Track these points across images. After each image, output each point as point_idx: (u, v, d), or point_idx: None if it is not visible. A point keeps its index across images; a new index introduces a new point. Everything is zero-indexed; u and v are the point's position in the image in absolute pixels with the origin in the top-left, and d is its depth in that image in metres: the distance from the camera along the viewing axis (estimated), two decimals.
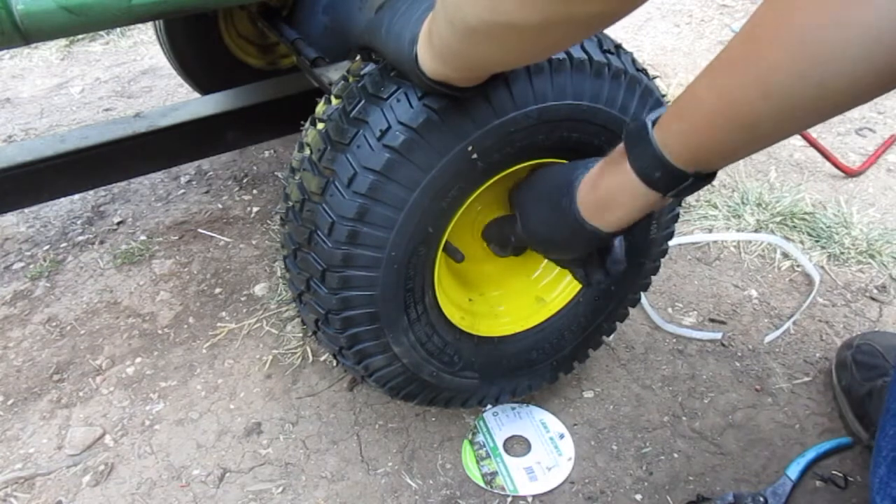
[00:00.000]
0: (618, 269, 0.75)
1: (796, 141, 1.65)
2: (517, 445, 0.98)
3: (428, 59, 0.60)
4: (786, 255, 1.31)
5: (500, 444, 0.98)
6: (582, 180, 0.67)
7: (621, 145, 0.62)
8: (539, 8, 0.42)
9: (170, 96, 2.00)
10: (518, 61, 0.63)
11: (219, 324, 1.20)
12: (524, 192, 0.77)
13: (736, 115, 0.50)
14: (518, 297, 0.97)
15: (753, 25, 0.46)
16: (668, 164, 0.56)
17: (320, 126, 0.71)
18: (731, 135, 0.52)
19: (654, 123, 0.57)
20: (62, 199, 1.50)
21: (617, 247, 0.75)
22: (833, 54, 0.42)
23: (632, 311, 1.02)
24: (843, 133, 1.73)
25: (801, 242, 1.34)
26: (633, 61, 0.79)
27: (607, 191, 0.63)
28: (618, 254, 0.75)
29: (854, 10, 0.40)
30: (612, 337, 1.10)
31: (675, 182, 0.58)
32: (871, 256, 1.29)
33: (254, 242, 1.38)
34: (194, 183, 1.57)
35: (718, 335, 1.13)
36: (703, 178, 0.58)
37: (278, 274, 1.29)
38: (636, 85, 0.77)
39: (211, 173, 1.60)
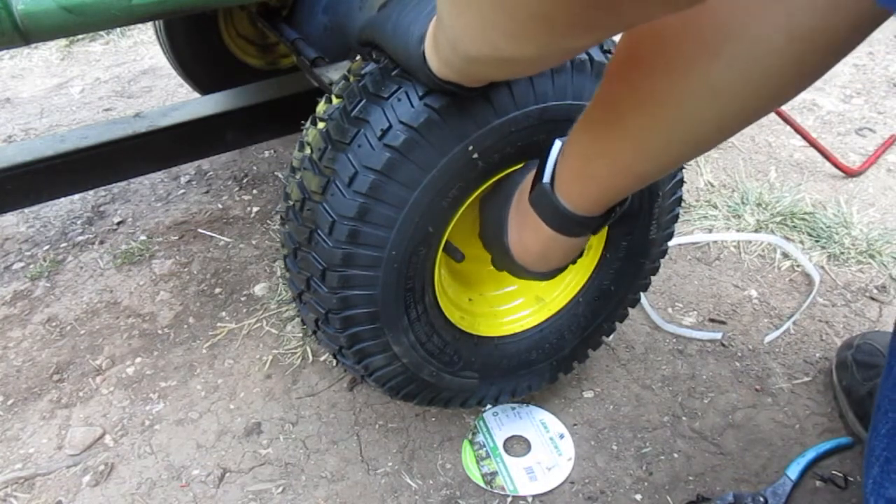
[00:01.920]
0: None
1: (796, 141, 1.65)
2: (517, 445, 0.98)
3: (435, 60, 0.61)
4: (786, 255, 1.31)
5: (500, 444, 0.98)
6: (508, 234, 0.72)
7: (526, 201, 0.67)
8: (534, 46, 0.43)
9: (170, 96, 2.00)
10: (521, 75, 0.65)
11: (219, 324, 1.20)
12: (480, 233, 0.81)
13: (628, 174, 0.55)
14: (518, 297, 0.97)
15: (613, 100, 0.52)
16: (581, 218, 0.62)
17: (321, 125, 0.71)
18: (629, 184, 0.58)
19: (552, 183, 0.62)
20: (62, 199, 1.50)
21: None
22: (690, 112, 0.46)
23: (632, 311, 1.03)
24: (843, 133, 1.73)
25: (801, 242, 1.34)
26: None
27: (539, 248, 0.69)
28: None
29: (697, 69, 0.44)
30: (611, 337, 1.10)
31: (596, 225, 0.63)
32: (871, 256, 1.30)
33: (254, 242, 1.38)
34: (194, 183, 1.57)
35: (718, 335, 1.13)
36: (620, 206, 0.63)
37: (278, 274, 1.29)
38: None
39: (211, 173, 1.60)
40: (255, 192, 1.54)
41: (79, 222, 1.46)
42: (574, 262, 0.80)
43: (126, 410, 1.05)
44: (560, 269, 0.75)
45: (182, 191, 1.55)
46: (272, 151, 1.68)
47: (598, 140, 0.55)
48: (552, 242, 0.65)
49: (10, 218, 1.47)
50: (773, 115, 1.59)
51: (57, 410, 1.06)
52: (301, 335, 1.16)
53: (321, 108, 0.74)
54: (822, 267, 1.28)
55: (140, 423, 1.03)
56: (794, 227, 1.38)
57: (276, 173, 1.59)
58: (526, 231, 0.68)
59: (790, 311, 1.19)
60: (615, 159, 0.54)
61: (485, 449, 0.97)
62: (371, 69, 0.70)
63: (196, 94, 1.60)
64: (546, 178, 0.62)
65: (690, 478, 0.93)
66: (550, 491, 0.92)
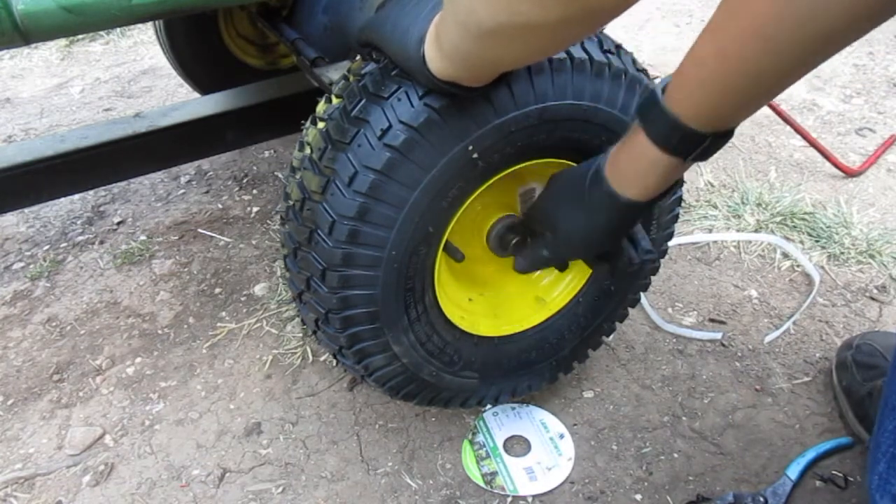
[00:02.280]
0: (650, 257, 0.75)
1: (796, 141, 1.65)
2: (517, 445, 0.98)
3: (436, 59, 0.60)
4: (786, 255, 1.31)
5: (500, 444, 0.98)
6: (605, 162, 0.66)
7: (637, 120, 0.61)
8: (555, 5, 0.42)
9: (170, 96, 2.00)
10: (529, 59, 0.63)
11: (219, 324, 1.20)
12: (545, 206, 0.76)
13: (739, 70, 0.50)
14: (518, 297, 0.97)
15: None
16: (682, 127, 0.56)
17: (321, 125, 0.71)
18: (737, 89, 0.52)
19: (663, 92, 0.57)
20: (62, 199, 1.50)
21: (642, 238, 0.76)
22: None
23: (632, 311, 1.02)
24: (843, 133, 1.73)
25: (801, 242, 1.34)
26: (634, 61, 0.79)
27: (631, 164, 0.63)
28: (644, 244, 0.75)
29: None
30: (611, 337, 1.10)
31: (693, 144, 0.58)
32: (871, 256, 1.29)
33: (254, 242, 1.38)
34: (194, 183, 1.57)
35: (718, 335, 1.13)
36: (721, 136, 0.58)
37: (278, 274, 1.29)
38: (636, 85, 0.77)
39: (211, 173, 1.60)
40: (255, 192, 1.54)
41: (79, 222, 1.46)
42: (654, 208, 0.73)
43: (126, 410, 1.05)
44: (644, 206, 0.68)
45: (182, 191, 1.55)
46: (272, 151, 1.68)
47: (712, 37, 0.51)
48: (646, 158, 0.61)
49: (10, 218, 1.47)
50: (773, 115, 1.59)
51: (57, 410, 1.06)
52: (301, 335, 1.16)
53: (321, 107, 0.74)
54: (822, 267, 1.28)
55: (140, 423, 1.03)
56: (794, 227, 1.38)
57: (276, 173, 1.59)
58: (626, 142, 0.64)
59: (790, 311, 1.19)
60: (724, 53, 0.50)
61: (485, 449, 0.97)
62: (371, 69, 0.70)
63: (196, 94, 1.60)
64: (660, 85, 0.58)
65: (690, 478, 0.93)
66: (550, 491, 0.92)
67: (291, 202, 0.74)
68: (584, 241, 0.74)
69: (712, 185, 1.52)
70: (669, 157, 0.59)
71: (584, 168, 0.70)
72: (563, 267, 0.89)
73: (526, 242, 0.83)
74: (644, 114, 0.59)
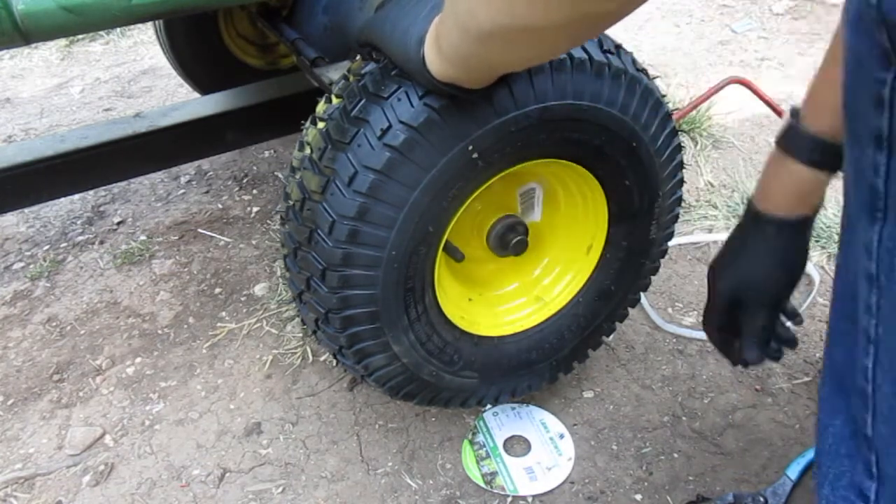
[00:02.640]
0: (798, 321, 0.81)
1: None
2: (517, 445, 0.98)
3: (436, 61, 0.60)
4: None
5: (500, 444, 0.98)
6: (756, 202, 0.71)
7: (771, 157, 0.69)
8: (556, 10, 0.43)
9: (170, 96, 2.00)
10: (529, 62, 0.63)
11: (219, 324, 1.20)
12: (729, 279, 0.78)
13: None
14: (518, 297, 0.97)
15: None
16: (827, 144, 0.64)
17: (321, 125, 0.71)
18: None
19: (795, 118, 0.65)
20: (62, 199, 1.50)
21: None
22: None
23: (632, 311, 1.02)
24: None
25: None
26: (634, 61, 0.79)
27: (787, 192, 0.70)
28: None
29: None
30: (611, 337, 1.10)
31: (839, 157, 0.63)
32: None
33: (254, 242, 1.38)
34: (194, 183, 1.57)
35: None
36: None
37: (278, 274, 1.29)
38: (636, 85, 0.77)
39: (211, 173, 1.60)
40: (255, 192, 1.54)
41: (79, 222, 1.46)
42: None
43: (126, 410, 1.05)
44: (812, 219, 0.74)
45: (182, 191, 1.55)
46: (272, 151, 1.68)
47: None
48: (802, 175, 0.67)
49: (10, 218, 1.47)
50: (773, 115, 1.59)
51: (57, 410, 1.06)
52: (301, 335, 1.16)
53: (321, 107, 0.74)
54: (822, 267, 1.28)
55: (140, 423, 1.03)
56: None
57: (276, 173, 1.59)
58: (772, 183, 0.70)
59: None
60: None
61: (485, 449, 0.97)
62: (371, 69, 0.70)
63: (196, 94, 1.60)
64: (791, 114, 0.65)
65: (690, 478, 0.93)
66: (550, 491, 0.92)
67: (291, 202, 0.74)
68: (776, 278, 0.76)
69: (712, 185, 1.52)
70: (820, 172, 0.67)
71: (735, 231, 0.74)
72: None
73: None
74: (787, 143, 0.67)
